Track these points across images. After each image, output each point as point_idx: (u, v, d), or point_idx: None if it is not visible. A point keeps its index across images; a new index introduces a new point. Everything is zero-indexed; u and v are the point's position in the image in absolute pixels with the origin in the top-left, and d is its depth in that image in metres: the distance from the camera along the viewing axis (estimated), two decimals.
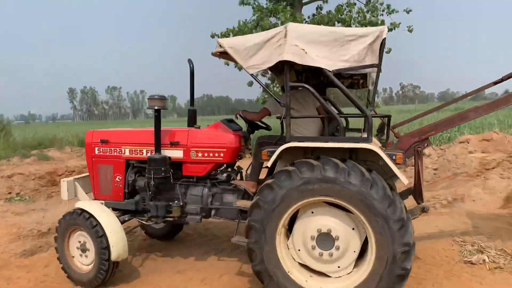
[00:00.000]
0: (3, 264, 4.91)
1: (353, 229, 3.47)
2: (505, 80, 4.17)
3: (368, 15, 11.33)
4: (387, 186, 3.30)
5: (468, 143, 9.92)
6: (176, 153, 4.43)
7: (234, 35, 11.07)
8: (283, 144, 3.58)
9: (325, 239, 3.50)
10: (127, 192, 4.69)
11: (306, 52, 3.38)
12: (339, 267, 3.54)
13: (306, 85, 3.55)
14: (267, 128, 4.75)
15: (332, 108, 4.62)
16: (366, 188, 3.22)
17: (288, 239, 3.68)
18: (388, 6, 11.61)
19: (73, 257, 4.25)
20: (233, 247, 5.24)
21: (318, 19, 11.41)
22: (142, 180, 4.59)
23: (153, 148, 4.44)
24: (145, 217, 4.66)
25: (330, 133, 4.17)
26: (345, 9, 11.36)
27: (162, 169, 4.27)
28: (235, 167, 4.72)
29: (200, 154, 4.38)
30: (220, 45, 3.73)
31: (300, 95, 4.20)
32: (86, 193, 4.84)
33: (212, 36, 11.74)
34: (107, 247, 3.94)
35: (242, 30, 10.95)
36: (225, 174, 4.51)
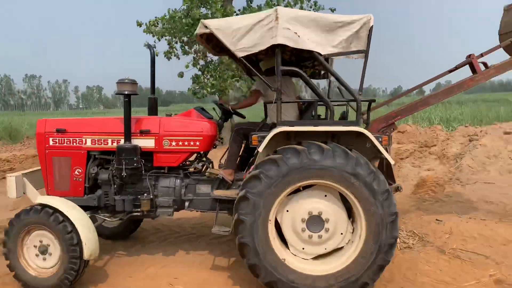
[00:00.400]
0: None
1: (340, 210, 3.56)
2: (459, 68, 4.63)
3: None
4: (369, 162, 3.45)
5: None
6: (146, 143, 4.14)
7: (163, 24, 10.79)
8: (270, 129, 3.55)
9: (315, 222, 3.55)
10: (87, 187, 4.26)
11: (299, 36, 3.39)
12: (326, 249, 3.62)
13: (298, 69, 3.57)
14: (243, 116, 4.67)
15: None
16: (351, 166, 3.33)
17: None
18: (315, 3, 12.12)
19: (28, 261, 3.75)
20: (205, 242, 5.07)
21: (248, 13, 11.60)
22: (105, 173, 4.22)
23: (120, 137, 4.12)
24: (108, 213, 4.29)
25: (307, 118, 4.25)
26: (274, 3, 11.65)
27: (134, 159, 3.97)
28: (206, 157, 4.56)
29: (174, 143, 4.15)
30: (205, 26, 3.57)
31: (283, 81, 4.21)
32: (37, 190, 4.29)
33: (139, 25, 11.24)
34: (78, 244, 3.56)
35: (173, 17, 10.69)
36: (199, 164, 4.34)
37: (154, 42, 11.39)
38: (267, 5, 11.55)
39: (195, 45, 11.61)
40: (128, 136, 3.98)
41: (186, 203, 4.26)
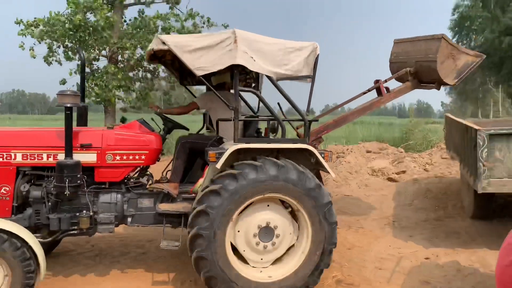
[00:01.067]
0: None
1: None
2: (371, 90, 5.33)
3: (187, 25, 11.99)
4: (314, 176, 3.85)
5: None
6: (87, 157, 3.93)
7: (44, 25, 10.08)
8: (217, 143, 3.69)
9: (266, 232, 3.80)
10: (15, 206, 3.87)
11: (254, 60, 3.61)
12: (261, 259, 3.87)
13: (255, 91, 3.77)
14: (186, 128, 4.68)
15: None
16: (302, 181, 3.67)
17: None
18: (208, 20, 12.51)
19: None
20: (135, 258, 4.92)
21: (138, 23, 11.52)
22: (37, 190, 3.89)
23: (55, 152, 3.86)
24: (40, 234, 3.95)
25: (251, 134, 4.48)
26: (167, 17, 11.76)
27: (77, 176, 3.74)
28: (148, 171, 4.48)
29: (118, 158, 4.02)
30: (163, 42, 3.55)
31: (232, 98, 4.37)
32: None
33: (17, 23, 10.28)
34: (35, 271, 3.26)
35: (53, 20, 10.04)
36: (143, 178, 4.26)
37: (34, 44, 10.56)
38: (157, 18, 11.58)
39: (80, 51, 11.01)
40: (69, 150, 3.73)
41: (129, 219, 4.14)
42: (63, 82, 11.12)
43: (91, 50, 10.84)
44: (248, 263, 3.84)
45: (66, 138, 3.72)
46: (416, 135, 14.99)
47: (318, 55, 3.88)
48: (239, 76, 5.05)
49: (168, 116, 4.54)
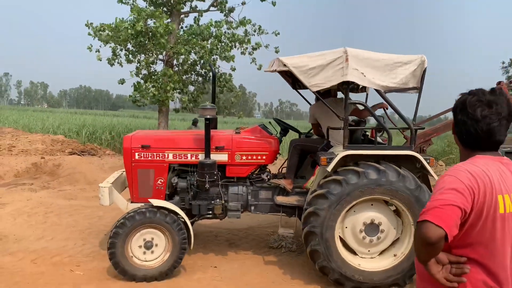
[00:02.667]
0: None
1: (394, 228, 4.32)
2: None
3: (238, 32, 12.47)
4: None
5: None
6: (221, 157, 4.81)
7: (111, 31, 11.25)
8: (327, 148, 4.23)
9: (372, 228, 4.29)
10: (167, 194, 4.93)
11: (364, 76, 4.05)
12: (369, 251, 4.38)
13: (364, 103, 4.23)
14: (298, 131, 5.32)
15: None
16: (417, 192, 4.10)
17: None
18: (260, 27, 12.72)
19: (132, 256, 4.40)
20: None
21: (193, 30, 12.18)
22: (183, 182, 4.88)
23: (197, 152, 4.78)
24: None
25: (357, 138, 4.93)
26: (220, 25, 12.22)
27: (214, 172, 4.63)
28: (267, 168, 5.23)
29: (244, 157, 4.83)
30: (284, 64, 4.18)
31: (341, 107, 4.88)
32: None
33: (87, 25, 11.73)
34: (187, 238, 4.42)
35: (118, 25, 11.16)
36: (263, 174, 5.02)
37: (100, 46, 11.82)
38: (210, 26, 12.09)
39: (139, 55, 12.17)
40: (208, 152, 4.63)
41: (252, 207, 4.97)
42: (122, 82, 12.45)
43: (149, 54, 11.87)
44: (357, 254, 4.38)
45: (205, 142, 4.61)
46: None
47: (426, 68, 4.15)
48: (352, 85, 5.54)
49: (282, 120, 5.21)
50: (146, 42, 11.24)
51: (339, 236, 4.34)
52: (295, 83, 5.83)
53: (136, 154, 4.83)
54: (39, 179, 9.67)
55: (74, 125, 20.17)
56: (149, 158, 4.83)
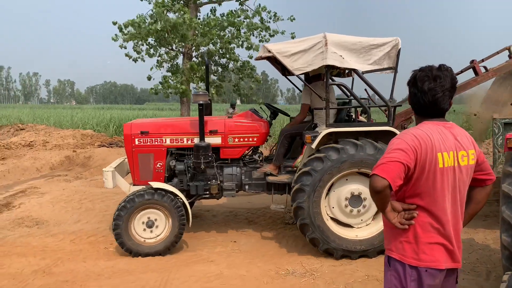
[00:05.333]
0: None
1: None
2: (464, 71, 5.60)
3: (255, 20, 12.65)
4: None
5: None
6: (215, 140, 5.17)
7: (133, 26, 11.63)
8: (313, 129, 4.54)
9: (356, 199, 4.62)
10: (166, 177, 5.30)
11: (343, 58, 4.38)
12: (362, 220, 4.71)
13: (343, 83, 4.56)
14: (288, 115, 5.65)
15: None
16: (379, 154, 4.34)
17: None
18: (275, 14, 12.93)
19: (135, 235, 4.78)
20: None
21: (210, 21, 12.33)
22: (180, 165, 5.24)
23: (192, 136, 5.14)
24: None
25: (341, 119, 5.26)
26: (237, 14, 12.51)
27: (209, 154, 4.99)
28: (259, 150, 5.57)
29: (236, 140, 5.19)
30: (268, 50, 4.51)
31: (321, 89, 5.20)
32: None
33: (114, 23, 12.12)
34: (185, 215, 4.84)
35: (142, 21, 11.55)
36: (256, 155, 5.37)
37: (122, 43, 12.17)
38: (230, 16, 12.33)
39: (160, 48, 12.59)
40: (202, 135, 4.98)
41: (246, 186, 5.32)
42: (149, 78, 12.87)
43: (170, 47, 12.18)
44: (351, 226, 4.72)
45: (200, 126, 4.95)
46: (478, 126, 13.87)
47: (400, 49, 4.47)
48: (338, 70, 5.85)
49: (272, 105, 5.54)
50: (166, 36, 11.59)
51: (331, 217, 4.68)
52: (285, 70, 6.17)
53: (136, 140, 5.19)
54: (72, 170, 10.46)
55: (102, 120, 21.02)
56: (148, 143, 5.20)
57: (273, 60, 5.93)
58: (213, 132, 5.17)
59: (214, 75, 13.42)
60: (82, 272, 4.24)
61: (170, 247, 4.81)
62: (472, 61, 5.50)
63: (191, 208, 6.28)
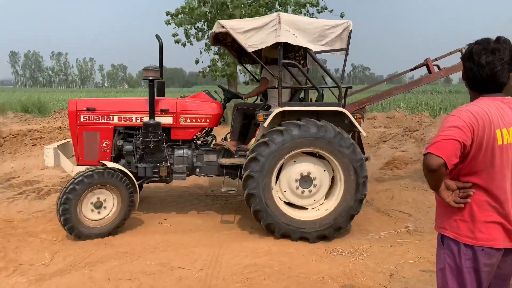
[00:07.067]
0: None
1: (324, 171, 4.61)
2: (418, 68, 5.80)
3: None
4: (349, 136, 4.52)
5: (375, 119, 11.75)
6: (166, 120, 4.98)
7: (184, 12, 11.69)
8: (266, 109, 4.49)
9: (306, 180, 4.58)
10: (113, 157, 5.05)
11: (296, 37, 4.37)
12: (315, 200, 4.65)
13: (296, 63, 4.55)
14: (241, 97, 5.58)
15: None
16: (337, 139, 4.37)
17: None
18: (317, 2, 12.45)
19: (84, 217, 4.52)
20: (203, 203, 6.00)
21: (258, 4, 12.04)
22: (128, 145, 5.02)
23: (142, 115, 4.94)
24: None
25: (295, 100, 5.25)
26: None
27: (158, 133, 4.81)
28: (211, 133, 5.45)
29: (188, 120, 5.03)
30: (222, 26, 4.44)
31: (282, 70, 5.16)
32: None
33: (167, 13, 12.06)
34: (134, 194, 4.70)
35: (189, 8, 11.54)
36: (209, 137, 5.24)
37: (174, 29, 12.09)
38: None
39: (208, 32, 12.31)
40: (152, 114, 4.80)
41: (197, 169, 5.16)
42: (197, 61, 12.74)
43: None
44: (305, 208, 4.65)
45: (149, 103, 4.78)
46: None
47: (351, 31, 4.52)
48: (289, 54, 5.87)
49: (226, 88, 5.44)
50: (215, 16, 11.40)
51: (284, 202, 4.61)
52: (241, 56, 6.13)
53: (82, 116, 4.93)
54: None
55: None
56: (94, 121, 4.95)
57: (229, 47, 5.91)
58: (165, 111, 4.99)
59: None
60: (139, 245, 4.42)
61: (119, 225, 4.63)
62: (426, 59, 5.68)
63: (139, 191, 6.12)
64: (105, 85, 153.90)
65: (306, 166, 4.58)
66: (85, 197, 4.49)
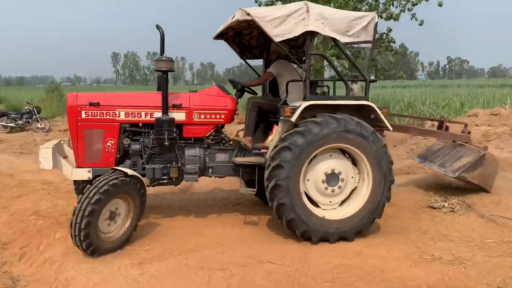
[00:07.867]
0: None
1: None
2: None
3: None
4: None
5: (477, 116, 10.85)
6: (178, 116, 4.53)
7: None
8: (283, 104, 4.32)
9: (333, 178, 4.31)
10: (118, 157, 4.54)
11: (325, 26, 4.19)
12: (330, 202, 4.40)
13: (323, 53, 4.36)
14: (254, 92, 5.28)
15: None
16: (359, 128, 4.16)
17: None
18: None
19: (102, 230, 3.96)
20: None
21: None
22: (136, 144, 4.55)
23: (153, 110, 4.48)
24: None
25: (313, 94, 5.02)
26: None
27: (173, 130, 4.36)
28: (223, 130, 5.06)
29: (202, 116, 4.62)
30: (247, 13, 4.12)
31: (291, 65, 4.93)
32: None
33: (256, 1, 11.97)
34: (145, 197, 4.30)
35: None
36: (223, 135, 4.87)
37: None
38: None
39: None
40: (165, 109, 4.34)
41: (209, 170, 4.73)
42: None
43: None
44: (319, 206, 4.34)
45: (163, 97, 4.30)
46: None
47: (377, 23, 4.43)
48: (292, 50, 5.67)
49: (238, 81, 5.07)
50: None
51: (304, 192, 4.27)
52: (243, 52, 5.85)
53: (83, 112, 4.38)
54: None
55: None
56: (98, 117, 4.42)
57: (230, 41, 5.60)
58: (177, 107, 4.54)
59: (348, 51, 12.21)
60: (229, 236, 4.48)
61: (128, 237, 4.12)
62: None
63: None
64: (195, 82, 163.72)
65: (339, 164, 4.34)
66: (106, 208, 3.92)
